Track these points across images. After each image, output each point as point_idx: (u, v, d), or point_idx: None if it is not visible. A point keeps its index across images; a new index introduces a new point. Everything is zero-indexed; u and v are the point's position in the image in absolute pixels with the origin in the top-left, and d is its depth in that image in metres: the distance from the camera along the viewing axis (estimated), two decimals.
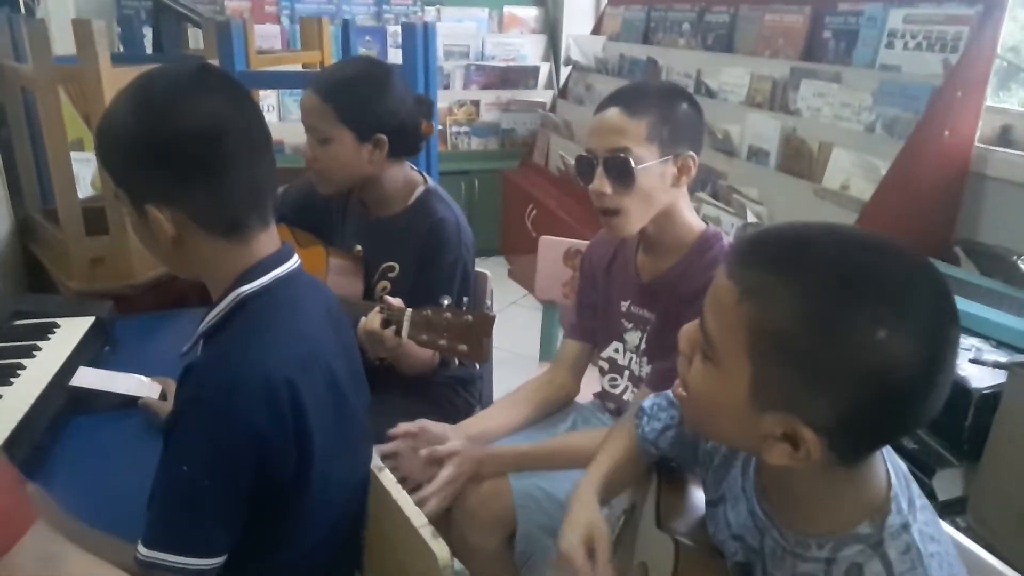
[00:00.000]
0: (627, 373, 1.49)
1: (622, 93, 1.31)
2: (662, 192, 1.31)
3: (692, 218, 1.38)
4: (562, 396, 1.57)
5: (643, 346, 1.44)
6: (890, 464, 0.75)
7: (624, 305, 1.47)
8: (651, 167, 1.27)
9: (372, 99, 1.51)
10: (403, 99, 1.56)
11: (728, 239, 1.39)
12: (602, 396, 1.57)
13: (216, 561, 0.88)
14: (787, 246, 0.69)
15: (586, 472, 1.08)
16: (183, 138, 0.88)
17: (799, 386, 0.65)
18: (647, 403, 1.08)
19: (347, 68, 1.58)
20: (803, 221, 0.72)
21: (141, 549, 0.85)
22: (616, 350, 1.50)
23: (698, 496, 0.98)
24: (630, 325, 1.46)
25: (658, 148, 1.28)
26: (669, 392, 1.04)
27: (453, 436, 1.38)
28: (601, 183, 1.28)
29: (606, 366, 1.53)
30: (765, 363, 0.67)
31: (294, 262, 1.00)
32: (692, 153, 1.32)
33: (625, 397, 1.49)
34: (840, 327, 0.63)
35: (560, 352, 1.61)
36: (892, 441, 0.75)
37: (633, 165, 1.26)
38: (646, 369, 1.43)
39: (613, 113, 1.28)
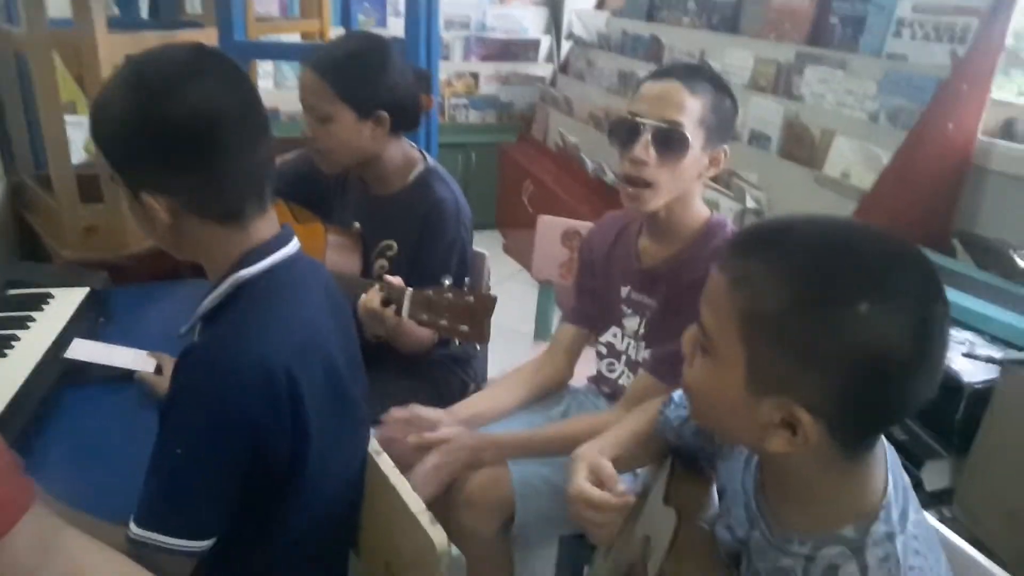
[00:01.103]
0: (624, 358, 1.49)
1: (681, 69, 1.30)
2: (693, 178, 1.31)
3: (701, 206, 1.38)
4: (557, 380, 1.57)
5: (642, 331, 1.44)
6: (891, 474, 0.76)
7: (624, 291, 1.46)
8: (695, 150, 1.27)
9: (372, 75, 1.49)
10: (403, 74, 1.54)
11: (732, 227, 1.38)
12: (597, 380, 1.58)
13: (206, 543, 0.89)
14: (773, 234, 0.73)
15: (592, 440, 1.09)
16: (178, 126, 0.87)
17: (791, 366, 0.67)
18: (677, 393, 1.08)
19: (345, 45, 1.55)
20: (788, 214, 0.74)
21: (133, 527, 0.86)
22: (615, 335, 1.50)
23: (708, 483, 0.99)
24: (629, 311, 1.46)
25: (704, 135, 1.27)
26: None
27: (446, 421, 1.38)
28: (645, 151, 1.25)
29: (604, 350, 1.53)
30: (757, 347, 0.69)
31: (293, 246, 0.99)
32: (725, 148, 1.32)
33: (621, 382, 1.49)
34: (827, 305, 0.65)
35: (556, 335, 1.61)
36: (891, 423, 0.76)
37: (690, 140, 1.25)
38: (644, 354, 1.44)
39: (673, 86, 1.26)
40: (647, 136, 1.26)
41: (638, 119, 1.27)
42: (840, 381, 0.66)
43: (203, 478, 0.88)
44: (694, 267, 1.31)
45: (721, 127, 1.29)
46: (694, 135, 1.26)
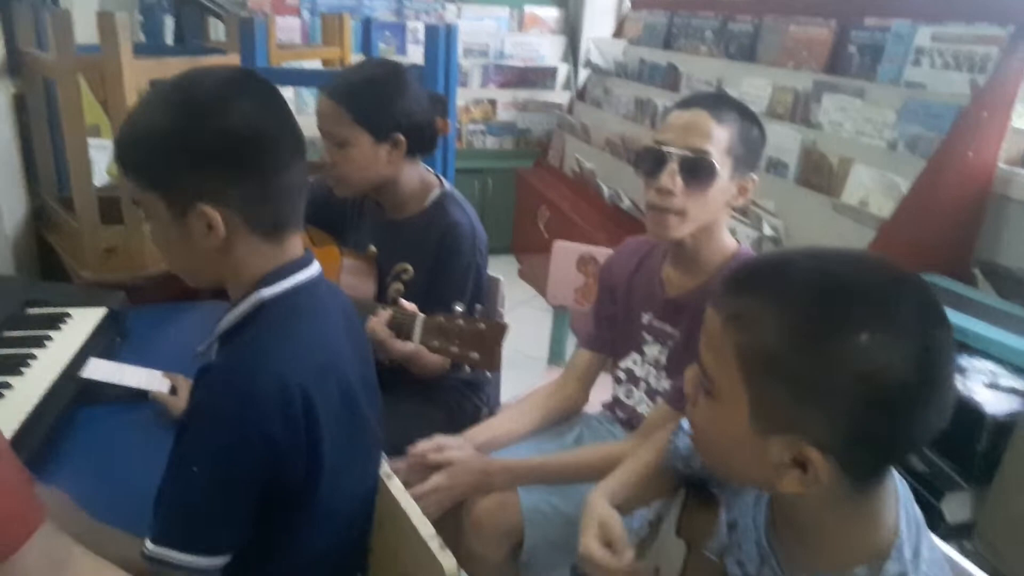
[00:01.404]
0: (644, 385, 1.47)
1: (708, 98, 1.30)
2: (720, 207, 1.30)
3: (728, 237, 1.37)
4: (571, 406, 1.56)
5: (664, 361, 1.42)
6: (904, 511, 0.74)
7: (646, 318, 1.44)
8: (722, 179, 1.26)
9: (387, 99, 1.50)
10: (418, 98, 1.55)
11: None
12: (613, 406, 1.56)
13: (220, 561, 0.89)
14: (766, 269, 0.71)
15: (600, 483, 1.09)
16: (239, 135, 0.88)
17: (794, 403, 0.66)
18: (685, 422, 1.07)
19: (360, 71, 1.57)
20: (784, 248, 0.72)
21: (148, 545, 0.86)
22: (635, 361, 1.48)
23: (720, 514, 0.98)
24: (650, 338, 1.44)
25: (731, 163, 1.27)
26: None
27: (461, 446, 1.37)
28: (672, 180, 1.25)
29: (623, 376, 1.51)
30: (759, 385, 0.68)
31: (315, 268, 1.00)
32: (754, 177, 1.32)
33: (640, 409, 1.48)
34: (823, 338, 0.64)
35: (572, 360, 1.60)
36: (902, 454, 0.74)
37: (718, 169, 1.24)
38: (664, 383, 1.42)
39: (702, 114, 1.26)
40: (674, 165, 1.25)
41: (664, 148, 1.27)
42: (846, 415, 0.64)
43: (218, 496, 0.87)
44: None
45: (749, 156, 1.29)
46: (722, 164, 1.25)
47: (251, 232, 0.92)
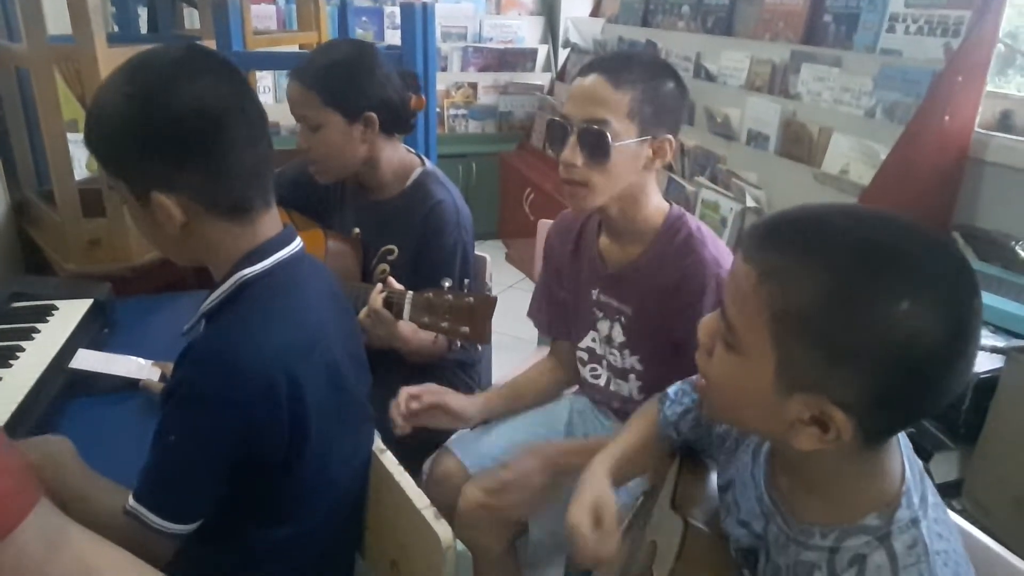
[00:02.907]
0: (606, 363, 1.44)
1: (608, 61, 1.24)
2: (633, 173, 1.24)
3: (658, 201, 1.32)
4: (565, 380, 1.56)
5: (622, 338, 1.38)
6: (907, 458, 0.75)
7: (593, 293, 1.40)
8: (627, 145, 1.20)
9: (354, 78, 1.50)
10: (387, 75, 1.55)
11: (694, 219, 1.32)
12: (583, 387, 1.52)
13: (186, 528, 0.91)
14: (804, 227, 0.69)
15: (601, 452, 1.09)
16: (183, 120, 0.87)
17: (825, 365, 0.65)
18: (672, 388, 1.08)
19: (326, 52, 1.56)
20: (817, 203, 0.72)
21: (130, 499, 0.90)
22: (593, 339, 1.44)
23: (715, 483, 0.99)
24: (601, 314, 1.40)
25: (638, 127, 1.20)
26: (695, 377, 1.03)
27: (471, 408, 1.39)
28: (572, 153, 1.20)
29: (585, 356, 1.47)
30: (790, 345, 0.66)
31: (296, 244, 1.00)
32: (670, 136, 1.25)
33: (612, 388, 1.44)
34: (863, 302, 0.63)
35: (552, 347, 1.59)
36: (922, 417, 0.74)
37: (610, 140, 1.19)
38: (629, 360, 1.38)
39: (596, 81, 1.20)
40: (573, 137, 1.21)
41: (565, 120, 1.22)
42: (877, 379, 0.64)
43: (191, 468, 0.90)
44: (668, 271, 1.27)
45: (661, 115, 1.22)
46: (625, 129, 1.19)
47: (213, 215, 0.92)
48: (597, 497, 1.01)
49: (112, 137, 0.90)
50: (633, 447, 1.08)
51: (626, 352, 1.38)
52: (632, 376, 1.38)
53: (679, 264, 1.26)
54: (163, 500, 0.89)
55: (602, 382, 1.46)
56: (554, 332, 1.56)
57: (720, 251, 1.27)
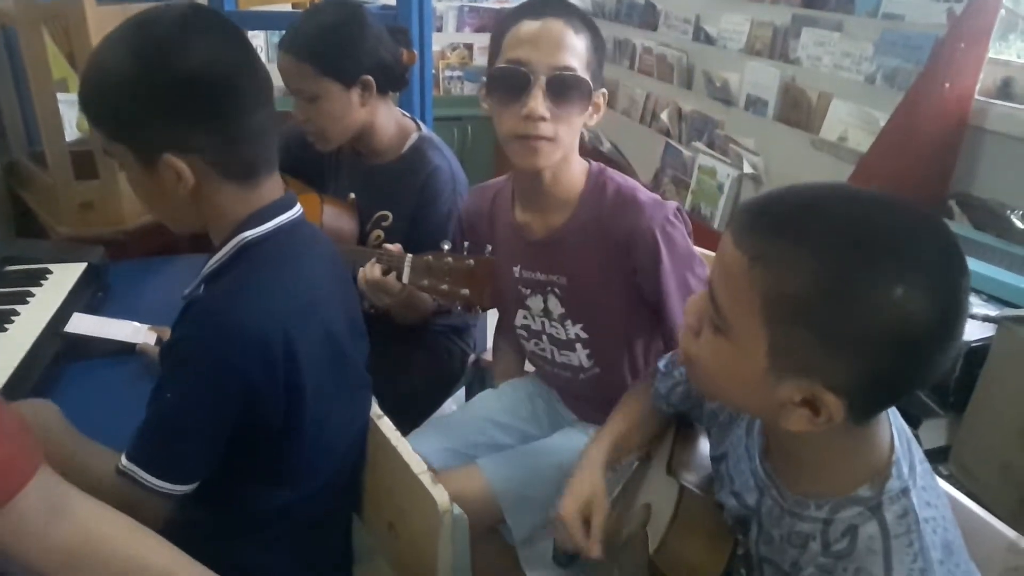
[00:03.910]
0: (547, 337, 1.34)
1: (554, 5, 1.12)
2: (579, 129, 1.16)
3: (578, 159, 1.23)
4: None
5: (560, 310, 1.28)
6: (895, 426, 0.76)
7: (516, 271, 1.30)
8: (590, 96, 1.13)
9: (346, 43, 1.47)
10: (378, 34, 1.52)
11: (616, 173, 1.24)
12: (533, 360, 1.45)
13: (183, 488, 0.91)
14: (793, 209, 0.68)
15: (598, 434, 1.09)
16: (195, 79, 0.85)
17: (818, 350, 0.65)
18: (663, 361, 1.07)
19: (314, 19, 1.51)
20: (805, 183, 0.71)
21: (122, 459, 0.89)
22: (525, 317, 1.35)
23: (707, 450, 1.00)
24: (528, 291, 1.31)
25: (590, 76, 1.12)
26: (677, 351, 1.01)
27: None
28: (540, 104, 1.08)
29: (525, 334, 1.38)
30: (782, 330, 0.66)
31: (297, 210, 0.99)
32: (604, 91, 1.17)
33: (559, 360, 1.34)
34: (856, 287, 0.62)
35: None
36: (910, 394, 0.73)
37: (592, 87, 1.11)
38: (572, 330, 1.28)
39: (557, 23, 1.09)
40: (539, 87, 1.08)
41: (522, 66, 1.09)
42: (870, 362, 0.64)
43: (188, 426, 0.89)
44: (600, 232, 1.19)
45: (600, 69, 1.15)
46: (585, 79, 1.11)
47: (223, 178, 0.91)
48: (590, 492, 1.01)
49: (117, 99, 0.87)
50: (629, 426, 1.09)
51: (568, 323, 1.29)
52: (579, 345, 1.30)
53: (621, 224, 1.17)
54: (156, 457, 0.89)
55: (548, 355, 1.37)
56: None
57: (650, 193, 1.21)
